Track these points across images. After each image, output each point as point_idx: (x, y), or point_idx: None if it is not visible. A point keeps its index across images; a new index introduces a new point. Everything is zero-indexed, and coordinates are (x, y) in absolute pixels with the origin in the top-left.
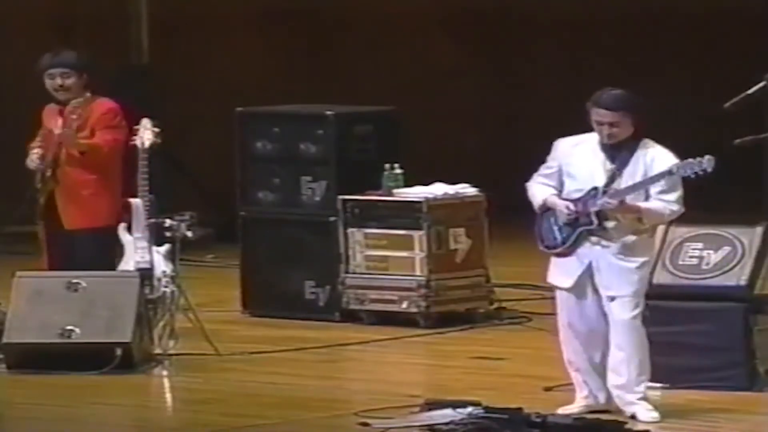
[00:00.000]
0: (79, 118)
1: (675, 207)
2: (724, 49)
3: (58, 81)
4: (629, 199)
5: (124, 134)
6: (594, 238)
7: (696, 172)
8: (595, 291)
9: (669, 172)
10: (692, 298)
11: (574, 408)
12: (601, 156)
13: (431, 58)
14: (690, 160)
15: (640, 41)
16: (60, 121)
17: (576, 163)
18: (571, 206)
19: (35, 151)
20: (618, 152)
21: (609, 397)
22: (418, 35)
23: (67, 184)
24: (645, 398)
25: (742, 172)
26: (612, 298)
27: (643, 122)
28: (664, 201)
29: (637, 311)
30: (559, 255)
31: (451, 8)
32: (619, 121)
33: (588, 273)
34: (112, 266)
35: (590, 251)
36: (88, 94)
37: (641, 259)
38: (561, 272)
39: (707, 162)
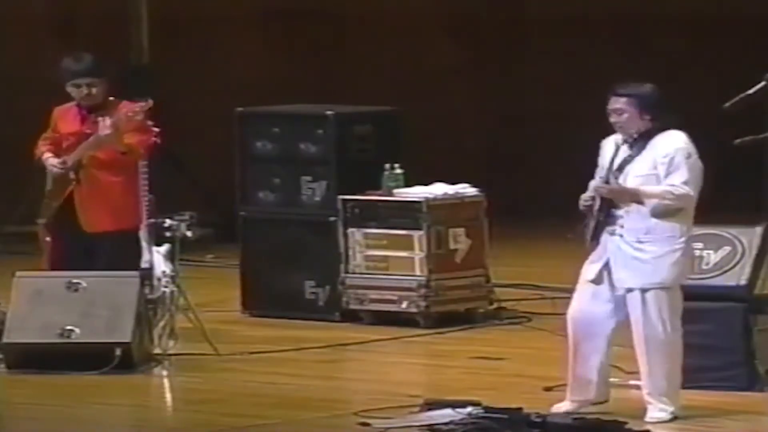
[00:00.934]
0: (117, 119)
1: (678, 191)
2: (725, 50)
3: (85, 90)
4: (634, 182)
5: (152, 135)
6: (609, 228)
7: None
8: (611, 287)
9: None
10: (692, 298)
11: (565, 405)
12: (624, 147)
13: (431, 58)
14: None
15: (641, 42)
16: (108, 122)
17: (607, 157)
18: (589, 194)
19: (48, 155)
20: (637, 141)
21: (600, 395)
22: (418, 35)
23: (93, 186)
24: (666, 396)
25: (742, 172)
26: (628, 290)
27: (658, 117)
28: (668, 184)
29: (652, 308)
30: (589, 249)
31: (452, 8)
32: (623, 108)
33: (606, 268)
34: (138, 268)
35: (609, 242)
36: (111, 98)
37: (657, 251)
38: (589, 264)
39: None
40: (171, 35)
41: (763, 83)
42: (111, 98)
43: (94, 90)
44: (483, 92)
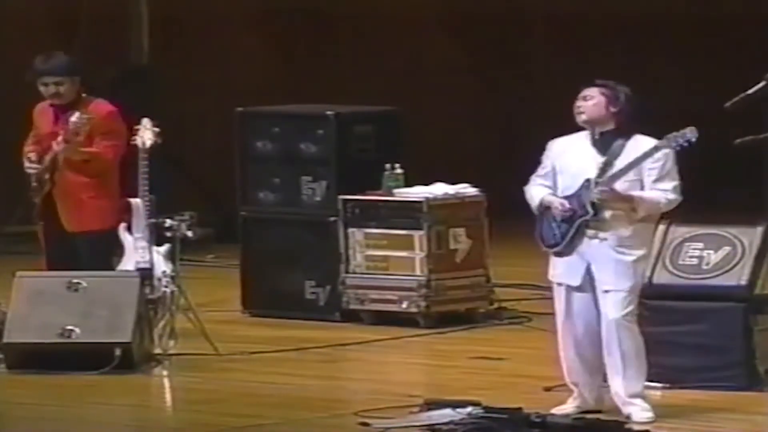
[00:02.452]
0: (78, 123)
1: (671, 195)
2: (724, 49)
3: (52, 89)
4: (622, 187)
5: (124, 137)
6: (591, 232)
7: (681, 144)
8: (594, 289)
9: (654, 149)
10: (692, 298)
11: (567, 408)
12: (591, 150)
13: (431, 58)
14: (673, 133)
15: (641, 41)
16: (60, 137)
17: (568, 161)
18: (566, 203)
19: (31, 154)
20: (608, 145)
21: (600, 397)
22: (418, 35)
23: (65, 187)
24: (642, 397)
25: (742, 172)
26: (606, 292)
27: (625, 115)
28: (660, 189)
29: (628, 309)
30: (560, 254)
31: (451, 8)
32: (593, 95)
33: (588, 271)
34: (110, 269)
35: (588, 247)
36: (84, 95)
37: (639, 253)
38: (567, 270)
39: (690, 132)
40: (171, 35)
41: (763, 83)
42: (84, 95)
43: (61, 89)
44: (483, 92)
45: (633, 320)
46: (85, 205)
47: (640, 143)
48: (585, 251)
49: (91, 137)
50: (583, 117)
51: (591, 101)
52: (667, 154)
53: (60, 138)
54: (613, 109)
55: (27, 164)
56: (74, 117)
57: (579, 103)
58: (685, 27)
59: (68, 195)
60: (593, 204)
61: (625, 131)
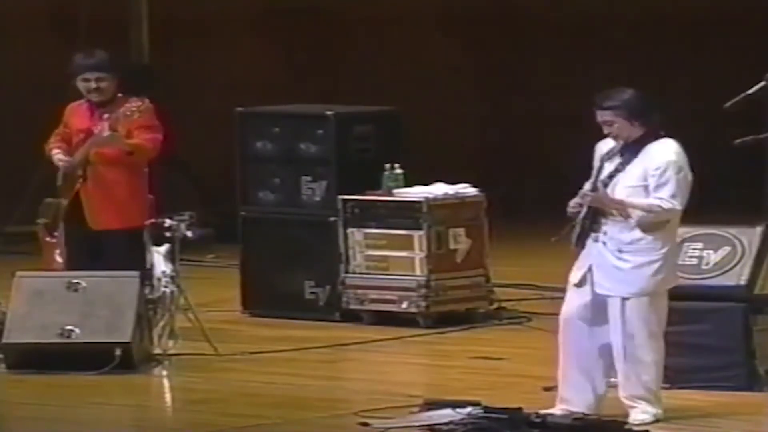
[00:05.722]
0: (115, 118)
1: (666, 204)
2: (725, 50)
3: (93, 84)
4: (624, 192)
5: (162, 133)
6: (594, 234)
7: None
8: (594, 292)
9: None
10: (692, 298)
11: (554, 411)
12: (618, 153)
13: (431, 58)
14: None
15: (641, 41)
16: (106, 124)
17: (600, 162)
18: (577, 199)
19: (57, 151)
20: (629, 149)
21: (590, 404)
22: (419, 35)
23: (99, 184)
24: (647, 400)
25: (742, 172)
26: (607, 296)
27: (648, 120)
28: (654, 196)
29: (630, 316)
30: (576, 252)
31: (451, 8)
32: (612, 120)
33: (590, 271)
34: (144, 266)
35: (593, 248)
36: (120, 95)
37: (640, 260)
38: (575, 268)
39: None
40: (171, 35)
41: (763, 83)
42: (120, 95)
43: (102, 84)
44: (483, 92)
45: (636, 326)
46: (119, 202)
47: (653, 151)
48: (590, 252)
49: (130, 132)
50: (620, 140)
51: (615, 126)
52: (668, 163)
53: (106, 124)
54: (636, 122)
55: (59, 159)
56: (125, 106)
57: (606, 130)
58: (687, 26)
59: (101, 192)
60: (589, 207)
61: (652, 135)
